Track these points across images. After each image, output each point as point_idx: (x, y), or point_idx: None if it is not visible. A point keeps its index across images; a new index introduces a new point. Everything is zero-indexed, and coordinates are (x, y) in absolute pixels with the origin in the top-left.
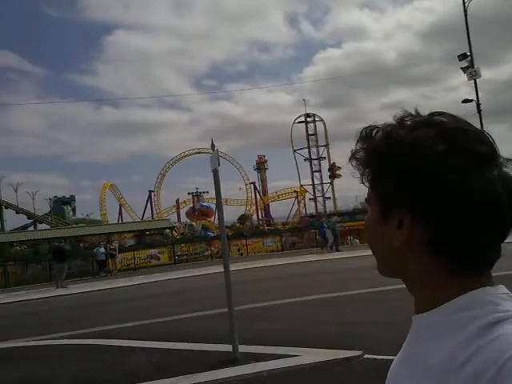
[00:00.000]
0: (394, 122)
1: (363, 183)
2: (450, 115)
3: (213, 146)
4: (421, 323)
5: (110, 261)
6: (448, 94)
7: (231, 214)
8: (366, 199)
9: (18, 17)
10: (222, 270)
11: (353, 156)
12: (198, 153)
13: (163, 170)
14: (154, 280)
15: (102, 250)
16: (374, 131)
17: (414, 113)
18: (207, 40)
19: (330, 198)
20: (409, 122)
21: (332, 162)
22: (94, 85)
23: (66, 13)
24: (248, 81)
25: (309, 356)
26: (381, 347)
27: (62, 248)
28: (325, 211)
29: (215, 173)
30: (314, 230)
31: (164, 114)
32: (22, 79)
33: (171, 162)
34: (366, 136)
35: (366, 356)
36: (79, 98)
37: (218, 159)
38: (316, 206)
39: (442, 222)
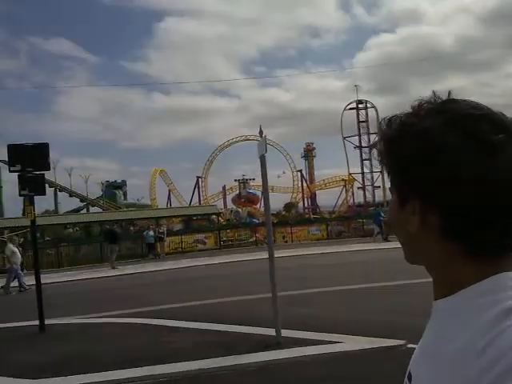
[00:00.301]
0: (411, 110)
1: (385, 173)
2: (465, 101)
3: (261, 132)
4: (440, 309)
5: (158, 244)
6: (508, 81)
7: (277, 202)
8: (389, 188)
9: (72, 4)
10: (266, 256)
11: (373, 146)
12: (246, 140)
13: (211, 156)
14: (200, 264)
15: (152, 233)
16: (392, 121)
17: (431, 99)
18: (257, 26)
19: (379, 187)
20: (422, 110)
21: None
22: (145, 71)
23: (118, 1)
24: (298, 67)
25: (351, 343)
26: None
27: (114, 230)
28: (373, 200)
29: (262, 159)
30: (362, 219)
31: (213, 101)
32: (75, 66)
33: (219, 148)
34: (384, 126)
35: (409, 345)
36: (131, 84)
37: (266, 146)
38: (365, 195)
39: (451, 209)
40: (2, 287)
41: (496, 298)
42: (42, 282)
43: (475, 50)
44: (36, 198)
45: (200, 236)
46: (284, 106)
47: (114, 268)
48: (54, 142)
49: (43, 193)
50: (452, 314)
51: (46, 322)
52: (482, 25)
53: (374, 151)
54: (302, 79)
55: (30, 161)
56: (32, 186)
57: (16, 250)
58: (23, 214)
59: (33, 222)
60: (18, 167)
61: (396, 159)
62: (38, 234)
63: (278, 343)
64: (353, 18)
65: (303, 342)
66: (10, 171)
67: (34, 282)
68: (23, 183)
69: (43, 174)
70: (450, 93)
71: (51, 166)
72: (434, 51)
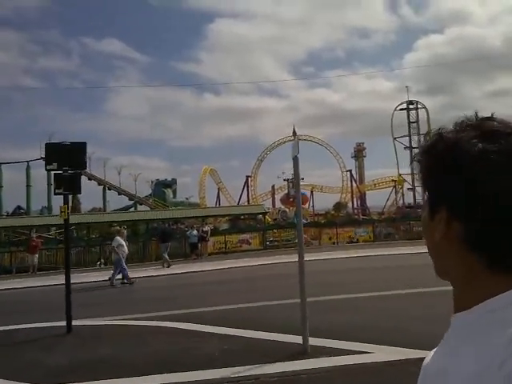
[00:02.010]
0: (452, 127)
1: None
2: (502, 120)
3: (294, 133)
4: (460, 323)
5: (200, 244)
6: None
7: (326, 202)
8: (424, 201)
9: (122, 5)
10: (310, 257)
11: (413, 160)
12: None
13: (261, 155)
14: (241, 265)
15: (195, 232)
16: (432, 136)
17: (472, 117)
18: (305, 27)
19: None
20: (461, 125)
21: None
22: (196, 72)
23: (167, 2)
24: (347, 68)
25: (382, 354)
26: None
27: (166, 229)
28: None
29: (295, 160)
30: (410, 221)
31: (262, 101)
32: (127, 66)
33: (269, 147)
34: (424, 141)
35: None
36: (181, 84)
37: (298, 147)
38: (414, 196)
39: (474, 219)
40: (108, 279)
41: None
42: (85, 280)
43: None
44: (84, 196)
45: (245, 236)
46: (333, 106)
47: (169, 266)
48: (105, 140)
49: (79, 192)
50: (471, 328)
51: (78, 322)
52: None
53: (415, 164)
54: (350, 80)
55: (67, 159)
56: (67, 184)
57: (123, 242)
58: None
59: (66, 220)
60: (55, 166)
61: (427, 169)
62: (85, 232)
63: (304, 352)
64: (401, 18)
65: (331, 352)
66: (47, 170)
67: (64, 282)
68: (59, 182)
69: (79, 173)
70: (492, 115)
71: (102, 164)
72: (482, 52)
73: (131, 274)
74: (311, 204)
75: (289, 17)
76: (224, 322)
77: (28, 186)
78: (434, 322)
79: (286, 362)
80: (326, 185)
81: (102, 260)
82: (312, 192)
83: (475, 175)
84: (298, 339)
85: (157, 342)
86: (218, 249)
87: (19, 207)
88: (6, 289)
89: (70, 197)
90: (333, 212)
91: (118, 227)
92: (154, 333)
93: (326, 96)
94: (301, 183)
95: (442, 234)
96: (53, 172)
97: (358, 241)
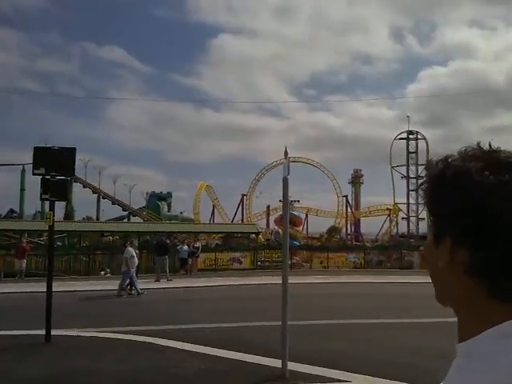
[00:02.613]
0: (457, 155)
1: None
2: (508, 152)
3: (286, 154)
4: (463, 352)
5: (190, 259)
6: None
7: (320, 225)
8: (428, 227)
9: (126, 14)
10: (299, 280)
11: (418, 188)
12: (293, 161)
13: (258, 175)
14: (231, 283)
15: (185, 248)
16: (439, 162)
17: (478, 146)
18: (308, 48)
19: (424, 219)
20: (467, 155)
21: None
22: (197, 86)
23: (172, 13)
24: (348, 93)
25: (358, 383)
26: (433, 380)
27: (164, 242)
28: (417, 232)
29: (285, 181)
30: (403, 249)
31: (262, 121)
32: (127, 75)
33: (267, 168)
34: (429, 167)
35: None
36: (181, 97)
37: (289, 168)
38: (408, 226)
39: (482, 247)
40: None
41: None
42: (71, 288)
43: None
44: (80, 203)
45: (236, 254)
46: (333, 130)
47: (168, 280)
48: (103, 148)
49: (65, 198)
50: (475, 356)
51: (61, 331)
52: None
53: (420, 191)
54: (351, 106)
55: (55, 165)
56: (54, 190)
57: (135, 253)
58: (64, 219)
59: (51, 227)
60: (42, 170)
61: (433, 197)
62: (75, 240)
63: (282, 377)
64: (405, 48)
65: (309, 378)
66: (34, 174)
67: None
68: (46, 187)
69: (67, 180)
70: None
71: (98, 172)
72: (485, 87)
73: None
74: (305, 227)
75: (292, 37)
76: (205, 341)
77: (22, 189)
78: (416, 353)
79: None
80: (321, 208)
81: (108, 270)
82: (307, 215)
83: (487, 206)
84: (278, 363)
85: (135, 358)
86: (208, 265)
87: (12, 210)
88: None
89: (64, 203)
90: (326, 236)
91: (130, 238)
92: (135, 348)
93: (327, 120)
94: (296, 205)
95: (446, 261)
96: (40, 177)
97: (361, 265)
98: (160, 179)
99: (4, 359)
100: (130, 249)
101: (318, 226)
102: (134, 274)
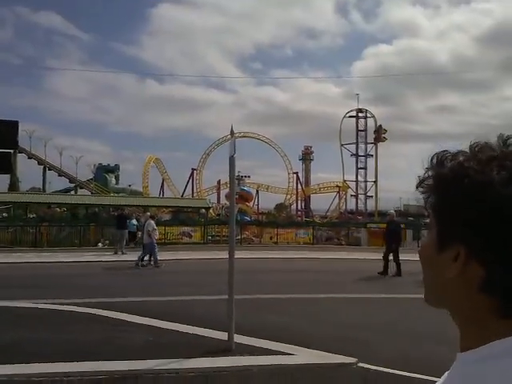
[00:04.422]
0: (468, 152)
1: (426, 210)
2: None
3: (232, 132)
4: (466, 361)
5: (140, 233)
6: (502, 104)
7: (270, 202)
8: (426, 223)
9: None
10: (249, 256)
11: (421, 183)
12: (244, 136)
13: (208, 149)
14: (180, 258)
15: (134, 221)
16: (446, 159)
17: (489, 143)
18: (253, 20)
19: (371, 196)
20: (483, 156)
21: (379, 124)
22: (139, 56)
23: None
24: (295, 68)
25: (304, 356)
26: (379, 357)
27: (124, 215)
28: (365, 209)
29: (231, 160)
30: (352, 226)
31: (208, 93)
32: (67, 43)
33: (217, 142)
34: (437, 163)
35: (360, 364)
36: (123, 67)
37: (235, 147)
38: (357, 203)
39: (500, 262)
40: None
41: None
42: (19, 260)
43: (469, 69)
44: (25, 174)
45: (186, 229)
46: (281, 105)
47: (123, 253)
48: (46, 119)
49: (9, 171)
50: (476, 369)
51: (6, 303)
52: (477, 44)
53: (420, 188)
54: (298, 81)
55: None
56: None
57: (156, 226)
58: (9, 190)
59: None
60: None
61: (447, 202)
62: (21, 211)
63: (228, 349)
64: (350, 23)
65: (255, 351)
66: None
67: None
68: None
69: (10, 153)
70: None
71: (43, 143)
72: (429, 66)
73: (77, 258)
74: (256, 202)
75: (235, 8)
76: (153, 314)
77: None
78: (362, 328)
79: (208, 358)
80: (272, 185)
81: (107, 242)
82: (258, 191)
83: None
84: (225, 336)
85: (80, 329)
86: (158, 239)
87: None
88: None
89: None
90: (274, 212)
91: (149, 212)
92: (80, 319)
93: (275, 95)
94: (247, 181)
95: (456, 273)
96: None
97: (310, 241)
98: (105, 151)
99: None
100: (152, 222)
101: (269, 201)
102: (155, 246)
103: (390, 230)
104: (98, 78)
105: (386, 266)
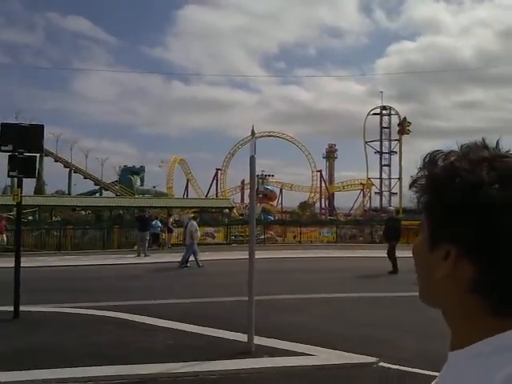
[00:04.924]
0: (460, 152)
1: (419, 209)
2: None
3: (253, 132)
4: (456, 360)
5: (165, 234)
6: None
7: (294, 200)
8: (420, 224)
9: None
10: (272, 255)
11: (414, 182)
12: (269, 136)
13: (232, 149)
14: (203, 259)
15: (159, 223)
16: (438, 159)
17: (480, 143)
18: (277, 21)
19: (396, 193)
20: (474, 156)
21: (403, 116)
22: (164, 58)
23: None
24: (318, 66)
25: (324, 357)
26: (400, 356)
27: (145, 217)
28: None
29: (252, 160)
30: (376, 224)
31: (233, 94)
32: (94, 46)
33: (242, 142)
34: (429, 163)
35: (381, 364)
36: (149, 68)
37: (255, 147)
38: (381, 200)
39: (490, 263)
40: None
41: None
42: (42, 264)
43: (494, 64)
44: (51, 177)
45: (209, 229)
46: (304, 104)
47: (146, 256)
48: (73, 121)
49: (33, 175)
50: (467, 367)
51: (31, 308)
52: (501, 39)
53: (413, 187)
54: (322, 79)
55: (23, 142)
56: (22, 167)
57: (198, 227)
58: (35, 193)
59: (19, 204)
60: (10, 147)
61: (439, 201)
62: (46, 214)
63: (249, 351)
64: (373, 22)
65: (275, 352)
66: (1, 151)
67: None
68: (13, 164)
69: (35, 156)
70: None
71: (69, 146)
72: (453, 62)
73: (100, 262)
74: (280, 201)
75: (259, 8)
76: (172, 317)
77: None
78: (377, 327)
79: (228, 360)
80: (296, 183)
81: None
82: (281, 190)
83: (506, 223)
84: (244, 337)
85: (103, 332)
86: (180, 240)
87: None
88: None
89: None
90: (298, 211)
91: (192, 214)
92: (102, 323)
93: (298, 94)
94: (271, 180)
95: (446, 274)
96: (8, 154)
97: (334, 239)
98: (131, 152)
99: None
100: (195, 223)
101: (293, 200)
102: (196, 247)
103: (390, 227)
104: (124, 79)
105: (394, 264)
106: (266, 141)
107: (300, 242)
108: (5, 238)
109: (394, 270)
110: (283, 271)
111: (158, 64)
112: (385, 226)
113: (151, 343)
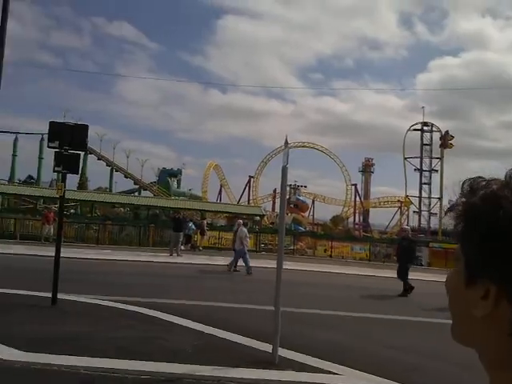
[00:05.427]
0: (503, 180)
1: (454, 237)
2: None
3: (286, 143)
4: None
5: (198, 236)
6: None
7: (326, 213)
8: (454, 253)
9: None
10: (301, 267)
11: (450, 209)
12: (303, 146)
13: (266, 158)
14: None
15: (191, 224)
16: (479, 186)
17: None
18: (314, 32)
19: (436, 214)
20: None
21: (445, 131)
22: (203, 66)
23: None
24: (355, 78)
25: (350, 378)
26: (427, 382)
27: (180, 218)
28: (428, 227)
29: (284, 170)
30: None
31: (268, 103)
32: (137, 51)
33: (275, 151)
34: (469, 190)
35: None
36: (188, 76)
37: (288, 157)
38: (419, 220)
39: None
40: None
41: None
42: (80, 256)
43: None
44: (94, 174)
45: None
46: (340, 116)
47: (179, 255)
48: (115, 123)
49: (76, 172)
50: None
51: (67, 296)
52: None
53: (450, 213)
54: (359, 92)
55: (69, 139)
56: (66, 163)
57: (248, 233)
58: (78, 188)
59: (62, 197)
60: (56, 144)
61: (479, 232)
62: (87, 209)
63: (271, 362)
64: (414, 35)
65: (299, 366)
66: (49, 147)
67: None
68: (58, 160)
69: (79, 154)
70: None
71: (112, 146)
72: (499, 79)
73: (134, 258)
74: (311, 213)
75: (297, 20)
76: (203, 319)
77: (40, 158)
78: (407, 351)
79: (250, 369)
80: (329, 195)
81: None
82: (313, 201)
83: None
84: (269, 347)
85: (131, 327)
86: (212, 243)
87: (30, 177)
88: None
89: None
90: (330, 224)
91: (241, 220)
92: (132, 318)
93: (334, 105)
94: (303, 191)
95: (486, 313)
96: (54, 150)
97: (367, 257)
98: (168, 156)
99: (7, 318)
100: (245, 229)
101: (325, 212)
102: (247, 253)
103: (403, 247)
104: (164, 85)
105: (406, 284)
106: (300, 151)
107: (331, 256)
108: (52, 230)
109: (403, 293)
110: (312, 285)
111: (196, 72)
112: (397, 246)
113: (177, 343)
